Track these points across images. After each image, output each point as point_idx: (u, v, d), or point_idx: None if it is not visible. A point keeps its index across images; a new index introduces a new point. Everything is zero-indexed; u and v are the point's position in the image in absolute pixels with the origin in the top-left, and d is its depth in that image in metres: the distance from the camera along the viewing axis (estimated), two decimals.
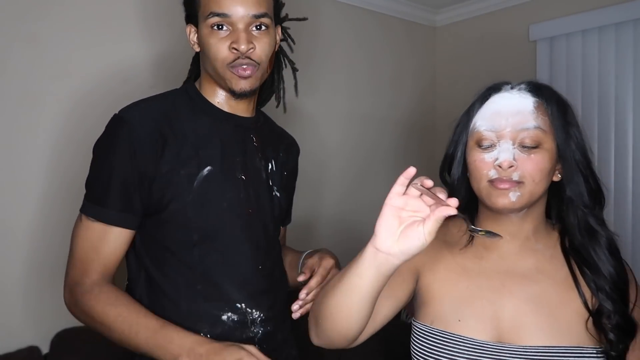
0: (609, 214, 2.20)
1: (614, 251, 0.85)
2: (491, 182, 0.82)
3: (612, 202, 2.19)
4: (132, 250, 1.02)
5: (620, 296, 0.82)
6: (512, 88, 0.88)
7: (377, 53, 2.57)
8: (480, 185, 0.84)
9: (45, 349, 1.57)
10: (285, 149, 1.17)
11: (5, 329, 1.53)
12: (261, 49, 0.98)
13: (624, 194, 2.16)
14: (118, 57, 1.72)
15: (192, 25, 1.03)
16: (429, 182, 0.71)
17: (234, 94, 1.01)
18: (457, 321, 0.85)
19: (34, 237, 1.59)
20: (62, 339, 1.57)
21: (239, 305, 1.01)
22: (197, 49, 1.04)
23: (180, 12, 1.08)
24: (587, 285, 0.83)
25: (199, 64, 1.09)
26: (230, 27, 0.97)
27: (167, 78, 1.66)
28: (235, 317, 1.00)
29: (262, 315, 1.04)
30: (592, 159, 0.88)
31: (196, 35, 1.03)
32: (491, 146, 0.84)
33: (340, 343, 0.86)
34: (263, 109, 1.24)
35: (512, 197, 0.81)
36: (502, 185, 0.81)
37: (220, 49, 0.97)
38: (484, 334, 0.83)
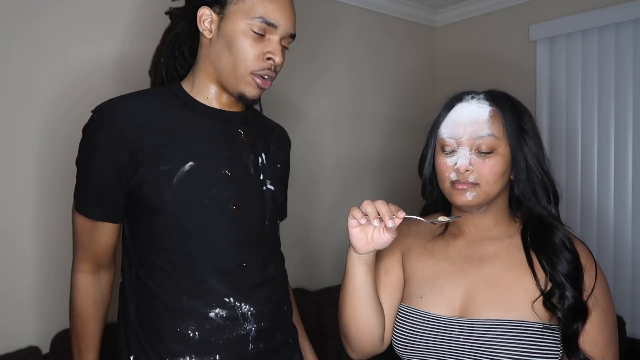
0: (609, 212, 2.20)
1: (566, 243, 0.94)
2: (452, 183, 0.95)
3: (612, 202, 2.19)
4: (125, 249, 1.05)
5: (572, 283, 0.90)
6: (472, 98, 0.99)
7: (377, 53, 2.57)
8: (444, 185, 0.98)
9: (45, 349, 1.57)
10: (276, 141, 1.16)
11: (5, 329, 1.53)
12: (281, 64, 1.02)
13: (624, 193, 2.16)
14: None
15: (212, 11, 0.99)
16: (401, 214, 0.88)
17: (244, 98, 1.01)
18: (419, 298, 0.99)
19: (34, 238, 1.59)
20: (62, 339, 1.56)
21: (227, 300, 0.99)
22: (209, 37, 1.00)
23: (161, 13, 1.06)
24: (542, 270, 0.93)
25: (172, 66, 1.09)
26: (267, 36, 0.98)
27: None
28: (224, 313, 0.98)
29: (253, 309, 1.01)
30: (545, 161, 0.98)
31: (213, 23, 0.99)
32: (452, 151, 0.96)
33: (374, 346, 1.02)
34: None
35: (469, 197, 0.94)
36: (460, 187, 0.94)
37: (253, 53, 0.97)
38: (440, 309, 0.95)
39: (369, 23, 2.52)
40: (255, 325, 1.02)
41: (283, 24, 0.98)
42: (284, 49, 1.02)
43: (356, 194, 2.47)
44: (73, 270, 1.05)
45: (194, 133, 1.00)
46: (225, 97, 1.05)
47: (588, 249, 0.97)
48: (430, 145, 1.04)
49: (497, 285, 0.94)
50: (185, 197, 0.96)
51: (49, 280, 1.60)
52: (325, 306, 2.07)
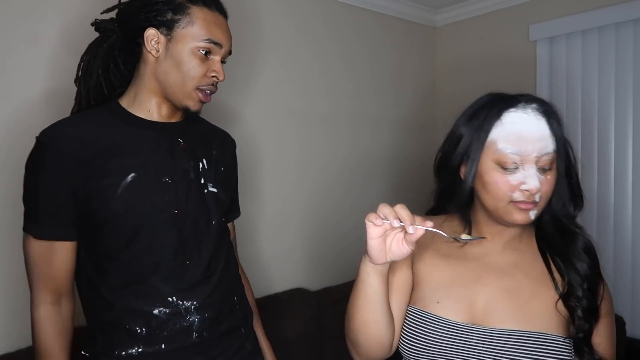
0: (609, 212, 2.20)
1: (589, 249, 0.94)
2: (513, 202, 0.89)
3: (612, 202, 2.19)
4: (82, 262, 1.10)
5: (589, 287, 0.91)
6: (525, 106, 0.91)
7: (377, 53, 2.57)
8: (499, 205, 0.91)
9: None
10: (218, 146, 1.24)
11: (5, 329, 1.53)
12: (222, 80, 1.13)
13: (624, 194, 2.16)
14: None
15: (159, 32, 1.07)
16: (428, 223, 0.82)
17: (188, 111, 1.12)
18: (435, 303, 0.95)
19: None
20: None
21: (170, 299, 1.08)
22: (156, 55, 1.08)
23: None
24: (560, 276, 0.93)
25: (106, 78, 1.15)
26: (210, 54, 1.08)
27: None
28: (167, 310, 1.07)
29: (196, 303, 1.10)
30: (577, 167, 0.96)
31: (160, 43, 1.07)
32: (515, 169, 0.89)
33: (382, 353, 0.98)
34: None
35: (532, 216, 0.90)
36: (526, 207, 0.89)
37: (199, 71, 1.07)
38: (458, 316, 0.93)
39: (369, 23, 2.52)
40: (199, 317, 1.10)
41: (226, 43, 1.10)
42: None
43: (357, 194, 2.47)
44: (33, 305, 1.06)
45: (134, 146, 1.07)
46: (165, 109, 1.13)
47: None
48: (471, 157, 0.93)
49: (517, 297, 0.92)
50: (130, 206, 1.04)
51: None
52: (325, 306, 2.07)
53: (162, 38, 1.06)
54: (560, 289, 0.92)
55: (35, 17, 1.56)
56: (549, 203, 0.94)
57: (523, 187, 0.88)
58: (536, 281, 0.94)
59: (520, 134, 0.89)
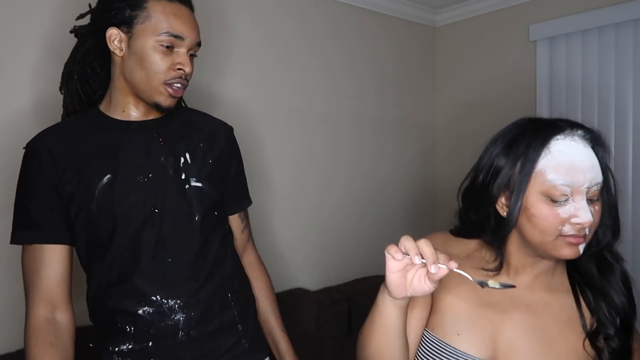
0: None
1: (627, 283, 0.89)
2: (563, 236, 0.83)
3: None
4: (81, 264, 1.14)
5: (622, 324, 0.85)
6: (573, 135, 0.85)
7: (377, 53, 2.57)
8: (547, 239, 0.84)
9: None
10: (206, 138, 1.21)
11: (5, 328, 1.53)
12: (192, 73, 1.11)
13: (624, 194, 2.16)
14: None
15: (120, 30, 1.06)
16: (453, 264, 0.76)
17: (159, 107, 1.10)
18: (456, 334, 0.90)
19: None
20: None
21: (153, 298, 1.09)
22: (120, 54, 1.08)
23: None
24: (589, 312, 0.87)
25: (85, 82, 1.16)
26: (174, 48, 1.07)
27: None
28: (151, 310, 1.09)
29: (180, 302, 1.10)
30: (618, 196, 0.91)
31: (122, 42, 1.07)
32: (565, 200, 0.83)
33: None
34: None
35: (581, 249, 0.84)
36: (577, 241, 0.83)
37: (163, 65, 1.06)
38: (479, 352, 0.88)
39: (369, 23, 2.52)
40: (184, 315, 1.11)
41: (188, 35, 1.07)
42: (192, 57, 1.11)
43: (357, 194, 2.47)
44: (26, 316, 1.07)
45: (110, 148, 1.09)
46: (142, 107, 1.13)
47: None
48: (519, 188, 0.85)
49: (542, 338, 0.87)
50: (107, 207, 1.06)
51: None
52: (325, 306, 2.07)
53: (124, 36, 1.06)
54: (588, 326, 0.86)
55: (22, 22, 1.55)
56: (605, 237, 0.89)
57: (574, 220, 0.82)
58: (564, 322, 0.88)
59: (572, 164, 0.82)
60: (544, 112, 2.38)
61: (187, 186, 1.14)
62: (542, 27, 2.38)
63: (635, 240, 2.14)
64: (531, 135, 0.86)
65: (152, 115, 1.15)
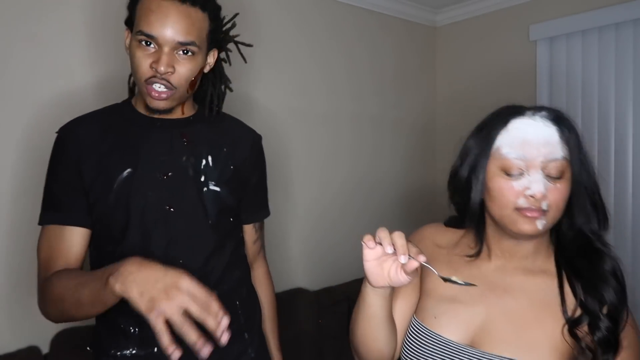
0: (609, 214, 2.19)
1: (617, 273, 0.88)
2: (518, 210, 0.85)
3: (612, 203, 2.19)
4: (90, 257, 1.12)
5: (611, 316, 0.84)
6: (534, 114, 0.89)
7: (378, 53, 2.57)
8: (505, 212, 0.87)
9: (45, 349, 1.57)
10: (231, 143, 1.19)
11: (5, 329, 1.53)
12: (181, 73, 1.03)
13: (624, 194, 2.16)
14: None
15: (129, 30, 1.07)
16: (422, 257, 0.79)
17: (149, 108, 1.09)
18: (433, 317, 0.93)
19: (33, 238, 1.59)
20: (62, 339, 1.57)
21: None
22: (128, 54, 1.08)
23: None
24: (574, 298, 0.87)
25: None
26: (156, 46, 1.01)
27: None
28: None
29: None
30: (599, 182, 0.91)
31: (127, 40, 1.07)
32: (520, 175, 0.85)
33: None
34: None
35: (539, 225, 0.85)
36: (532, 214, 0.84)
37: (142, 63, 1.02)
38: (453, 334, 0.90)
39: (369, 23, 2.52)
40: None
41: (163, 34, 0.99)
42: (174, 56, 1.02)
43: (357, 194, 2.47)
44: (38, 284, 1.04)
45: (134, 142, 1.09)
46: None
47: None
48: (479, 166, 0.90)
49: (517, 322, 0.88)
50: (123, 201, 1.05)
51: None
52: (325, 306, 2.07)
53: (130, 35, 1.06)
54: (570, 313, 0.85)
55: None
56: (571, 217, 0.89)
57: (527, 192, 0.84)
58: (542, 306, 0.88)
59: (525, 139, 0.86)
60: None
61: (204, 189, 1.12)
62: (542, 27, 2.38)
63: (636, 240, 2.14)
64: (496, 117, 0.91)
65: (176, 115, 1.14)
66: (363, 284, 0.89)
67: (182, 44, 1.01)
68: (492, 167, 0.88)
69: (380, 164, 2.60)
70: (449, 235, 1.02)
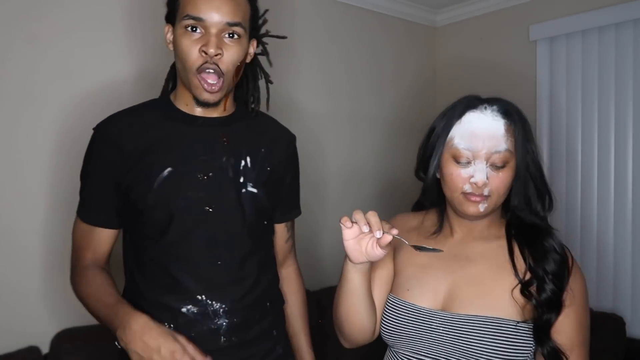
0: (609, 214, 2.20)
1: (556, 247, 1.00)
2: (464, 194, 0.98)
3: (612, 202, 2.19)
4: (125, 256, 1.13)
5: (555, 280, 0.97)
6: (485, 108, 1.00)
7: (378, 53, 2.57)
8: (454, 195, 1.00)
9: (45, 349, 1.57)
10: (268, 144, 1.18)
11: (5, 329, 1.54)
12: (229, 56, 1.03)
13: (624, 194, 2.16)
14: (117, 60, 1.72)
15: (170, 25, 1.07)
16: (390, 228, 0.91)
17: (198, 102, 1.07)
18: (406, 290, 1.05)
19: (34, 239, 1.59)
20: (62, 339, 1.57)
21: (199, 297, 1.07)
22: (171, 48, 1.07)
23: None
24: (524, 263, 0.99)
25: (174, 75, 1.15)
26: (203, 31, 1.01)
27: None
28: (195, 310, 1.06)
29: (225, 306, 1.08)
30: (544, 168, 1.03)
31: (172, 35, 1.06)
32: (467, 163, 0.98)
33: (365, 338, 1.09)
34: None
35: (481, 208, 0.98)
36: (474, 199, 0.98)
37: (192, 51, 1.01)
38: (425, 302, 1.02)
39: (369, 23, 2.52)
40: (227, 321, 1.08)
41: (210, 15, 1.00)
42: (222, 39, 1.02)
43: (356, 194, 2.47)
44: (72, 269, 1.11)
45: (175, 141, 1.08)
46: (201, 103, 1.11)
47: (571, 254, 1.03)
48: (436, 152, 1.03)
49: (479, 284, 1.00)
50: (164, 200, 1.05)
51: (50, 280, 1.60)
52: (325, 306, 2.07)
53: (172, 29, 1.06)
54: (521, 276, 0.98)
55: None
56: (514, 201, 1.02)
57: (472, 180, 0.96)
58: (499, 269, 1.00)
59: (473, 132, 0.98)
60: (544, 112, 2.38)
61: (243, 190, 1.11)
62: (542, 27, 2.38)
63: (636, 240, 2.14)
64: (455, 108, 1.03)
65: (216, 113, 1.12)
66: (344, 262, 1.00)
67: (230, 24, 1.02)
68: (446, 154, 1.01)
69: (383, 163, 2.60)
70: (418, 217, 1.15)
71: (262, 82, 1.26)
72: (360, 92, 2.50)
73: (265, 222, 1.19)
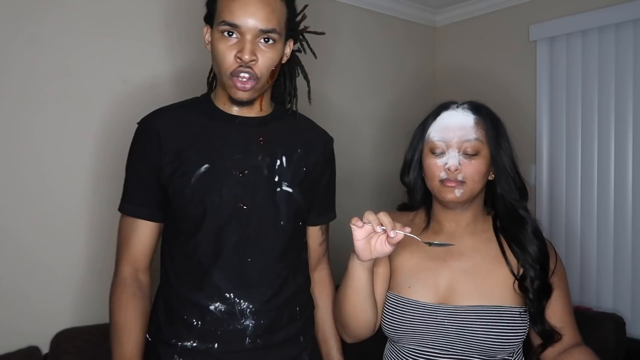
0: (609, 214, 2.19)
1: (537, 232, 1.11)
2: (442, 181, 1.08)
3: (612, 201, 2.19)
4: (162, 253, 1.16)
5: (541, 267, 1.07)
6: (457, 107, 1.12)
7: (377, 53, 2.57)
8: (433, 184, 1.10)
9: (45, 349, 1.57)
10: (305, 145, 1.19)
11: (5, 329, 1.53)
12: (263, 62, 1.05)
13: (624, 193, 2.16)
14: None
15: (209, 26, 1.10)
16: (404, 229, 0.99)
17: (233, 101, 1.10)
18: (407, 288, 1.12)
19: (34, 239, 1.59)
20: (62, 339, 1.57)
21: (227, 295, 1.08)
22: (209, 49, 1.10)
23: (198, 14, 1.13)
24: (515, 259, 1.09)
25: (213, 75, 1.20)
26: (239, 36, 1.03)
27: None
28: (222, 308, 1.08)
29: (252, 307, 1.09)
30: (517, 163, 1.14)
31: (210, 37, 1.09)
32: (442, 153, 1.09)
33: (368, 333, 1.15)
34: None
35: (457, 193, 1.07)
36: (450, 184, 1.07)
37: (227, 56, 1.04)
38: (426, 297, 1.09)
39: (369, 23, 2.52)
40: (254, 322, 1.09)
41: (245, 22, 1.02)
42: (257, 44, 1.04)
43: (356, 194, 2.47)
44: (115, 273, 1.12)
45: (213, 138, 1.10)
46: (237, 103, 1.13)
47: (549, 240, 1.15)
48: (417, 149, 1.16)
49: (475, 275, 1.09)
50: (200, 196, 1.07)
51: (49, 280, 1.60)
52: None
53: (210, 31, 1.09)
54: (515, 271, 1.08)
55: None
56: (500, 195, 1.12)
57: (446, 166, 1.07)
58: (491, 260, 1.10)
59: (445, 125, 1.10)
60: (543, 112, 2.38)
61: (278, 189, 1.12)
62: (542, 27, 2.38)
63: (636, 240, 2.14)
64: (433, 112, 1.15)
65: (252, 113, 1.14)
66: (350, 261, 1.06)
67: (264, 31, 1.03)
68: (425, 149, 1.12)
69: (383, 163, 2.60)
70: (404, 218, 1.20)
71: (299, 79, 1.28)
72: (360, 92, 2.50)
73: (300, 223, 1.19)
